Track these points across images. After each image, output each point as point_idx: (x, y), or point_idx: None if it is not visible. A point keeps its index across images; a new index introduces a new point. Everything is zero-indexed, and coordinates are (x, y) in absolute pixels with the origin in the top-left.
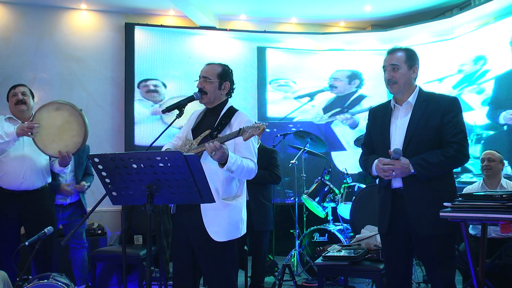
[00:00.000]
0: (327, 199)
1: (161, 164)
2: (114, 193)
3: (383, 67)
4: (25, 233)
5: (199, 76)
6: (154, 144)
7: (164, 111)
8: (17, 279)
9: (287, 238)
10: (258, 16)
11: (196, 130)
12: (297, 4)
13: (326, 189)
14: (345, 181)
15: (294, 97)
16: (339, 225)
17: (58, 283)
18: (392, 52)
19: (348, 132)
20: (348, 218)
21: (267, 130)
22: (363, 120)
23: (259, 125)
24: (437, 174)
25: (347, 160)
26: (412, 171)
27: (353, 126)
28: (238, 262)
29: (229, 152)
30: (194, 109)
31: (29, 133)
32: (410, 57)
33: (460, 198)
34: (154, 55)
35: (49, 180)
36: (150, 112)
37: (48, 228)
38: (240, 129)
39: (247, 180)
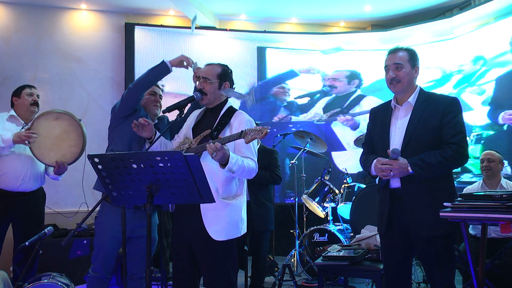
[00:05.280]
0: (327, 199)
1: (161, 164)
2: (114, 193)
3: (385, 66)
4: (13, 233)
5: (197, 76)
6: None
7: (164, 111)
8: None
9: (287, 238)
10: (258, 16)
11: (195, 129)
12: (297, 4)
13: (326, 189)
14: (345, 181)
15: (294, 97)
16: (339, 225)
17: (58, 283)
18: (394, 51)
19: (348, 132)
20: (348, 218)
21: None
22: (363, 121)
23: (261, 128)
24: (435, 174)
25: (348, 160)
26: (410, 171)
27: (354, 127)
28: (238, 262)
29: (230, 153)
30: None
31: (26, 142)
32: (412, 57)
33: (460, 198)
34: (154, 55)
35: (44, 182)
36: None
37: (48, 228)
38: (242, 131)
39: (248, 181)
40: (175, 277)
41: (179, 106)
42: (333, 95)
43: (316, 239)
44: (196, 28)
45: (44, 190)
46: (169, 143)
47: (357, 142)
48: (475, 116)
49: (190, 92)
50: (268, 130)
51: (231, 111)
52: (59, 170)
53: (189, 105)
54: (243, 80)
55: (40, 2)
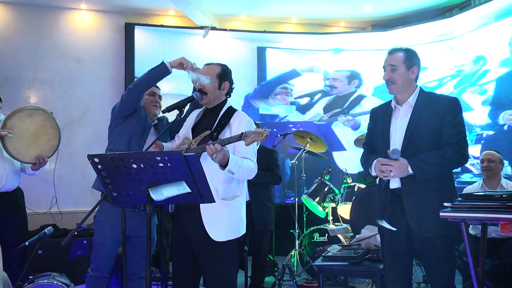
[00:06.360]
0: (327, 199)
1: (161, 164)
2: (114, 193)
3: (383, 67)
4: None
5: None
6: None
7: (164, 111)
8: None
9: (287, 238)
10: (258, 16)
11: (195, 129)
12: (297, 4)
13: (326, 189)
14: (345, 181)
15: (294, 97)
16: (339, 225)
17: (58, 283)
18: (392, 52)
19: (348, 132)
20: (348, 218)
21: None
22: (364, 121)
23: (261, 131)
24: (435, 174)
25: (348, 160)
26: (411, 171)
27: (355, 127)
28: (238, 262)
29: (230, 154)
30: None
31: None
32: (409, 58)
33: (460, 198)
34: (154, 55)
35: (21, 180)
36: None
37: (48, 228)
38: (242, 133)
39: (248, 181)
40: (175, 277)
41: (179, 106)
42: (334, 95)
43: (316, 239)
44: (196, 28)
45: (21, 188)
46: (172, 147)
47: (357, 142)
48: (476, 116)
49: (189, 92)
50: (268, 133)
51: (231, 111)
52: (39, 165)
53: (188, 105)
54: (243, 80)
55: (40, 2)
